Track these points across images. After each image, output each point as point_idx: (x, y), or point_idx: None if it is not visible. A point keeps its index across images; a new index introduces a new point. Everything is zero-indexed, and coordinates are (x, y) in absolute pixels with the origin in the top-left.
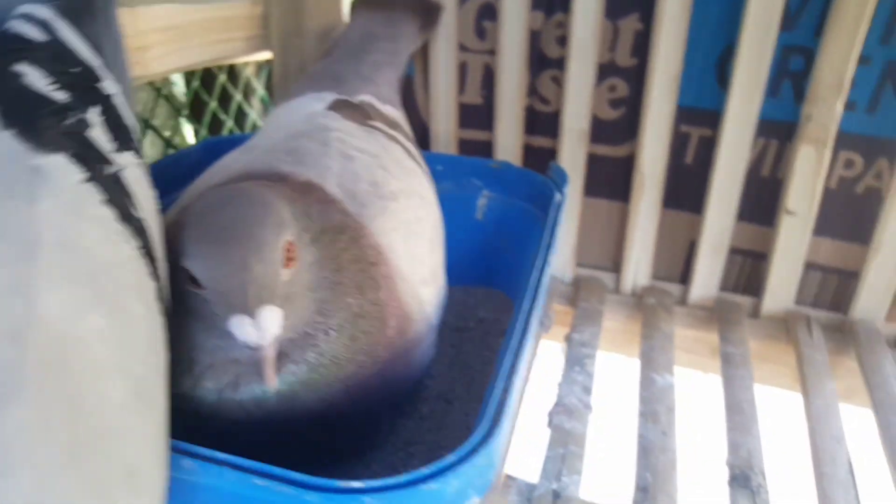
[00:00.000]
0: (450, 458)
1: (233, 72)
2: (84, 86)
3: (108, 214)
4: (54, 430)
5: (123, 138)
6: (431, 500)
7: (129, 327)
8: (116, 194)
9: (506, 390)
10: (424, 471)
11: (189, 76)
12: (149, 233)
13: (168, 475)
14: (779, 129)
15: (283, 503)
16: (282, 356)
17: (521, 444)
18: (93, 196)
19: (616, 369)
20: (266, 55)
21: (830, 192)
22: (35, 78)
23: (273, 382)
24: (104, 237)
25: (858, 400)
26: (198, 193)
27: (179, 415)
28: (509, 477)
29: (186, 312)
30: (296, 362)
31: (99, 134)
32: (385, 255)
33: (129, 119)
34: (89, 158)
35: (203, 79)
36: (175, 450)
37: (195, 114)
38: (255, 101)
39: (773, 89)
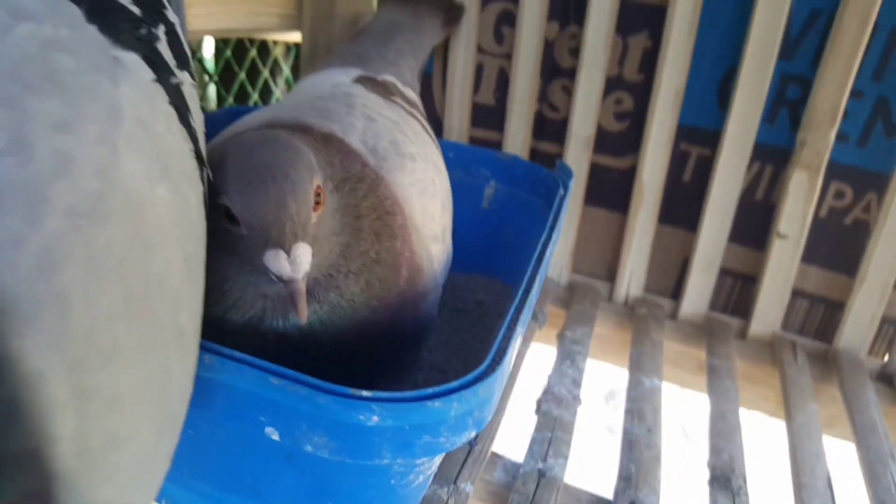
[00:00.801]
0: (454, 383)
1: (263, 49)
2: (153, 7)
3: (172, 112)
4: (133, 262)
5: (182, 60)
6: (434, 417)
7: (185, 209)
8: (178, 100)
9: (507, 337)
10: (430, 390)
11: (222, 45)
12: (200, 143)
13: (198, 360)
14: (774, 155)
15: (296, 404)
16: (307, 295)
17: (509, 428)
18: (161, 94)
19: (605, 370)
20: (296, 36)
21: (821, 222)
22: None
23: (304, 315)
24: (169, 129)
25: (840, 430)
26: (226, 139)
27: (205, 340)
28: (495, 454)
29: (219, 247)
30: (319, 301)
31: (165, 49)
32: (401, 206)
33: (186, 48)
34: (158, 64)
35: (234, 50)
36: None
37: (224, 82)
38: (281, 81)
39: (770, 115)
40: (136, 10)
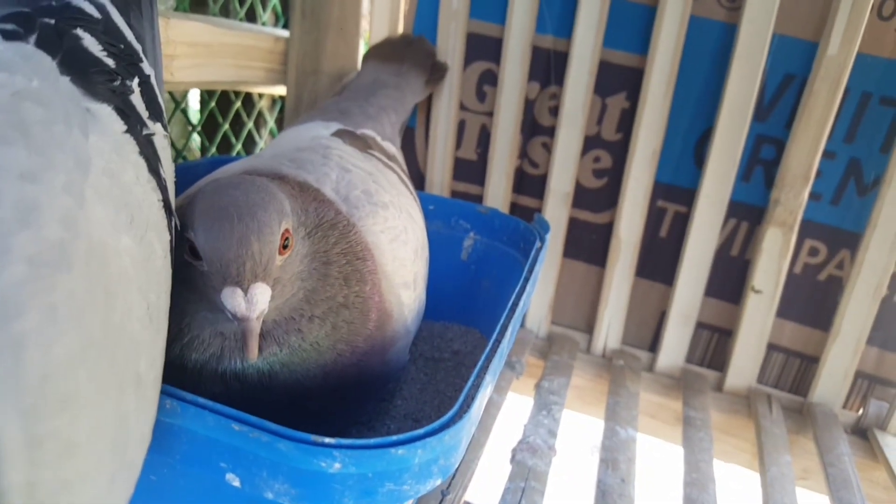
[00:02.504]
0: (420, 430)
1: (248, 101)
2: (128, 60)
3: (141, 163)
4: (94, 310)
5: (155, 112)
6: (397, 464)
7: (150, 259)
8: (148, 151)
9: (476, 385)
10: (394, 437)
11: (206, 96)
12: (169, 193)
13: (158, 406)
14: (749, 213)
15: (256, 450)
16: (266, 336)
17: (482, 475)
18: (131, 145)
19: (581, 421)
20: (281, 90)
21: (795, 277)
22: (90, 43)
23: (254, 355)
24: (138, 180)
25: (813, 482)
26: (205, 183)
27: (165, 380)
28: (468, 503)
29: (181, 283)
30: (279, 343)
31: (138, 101)
32: (371, 252)
33: (160, 100)
34: (130, 116)
35: (218, 102)
36: (161, 392)
37: (207, 132)
38: (265, 133)
39: (745, 174)
40: (110, 62)
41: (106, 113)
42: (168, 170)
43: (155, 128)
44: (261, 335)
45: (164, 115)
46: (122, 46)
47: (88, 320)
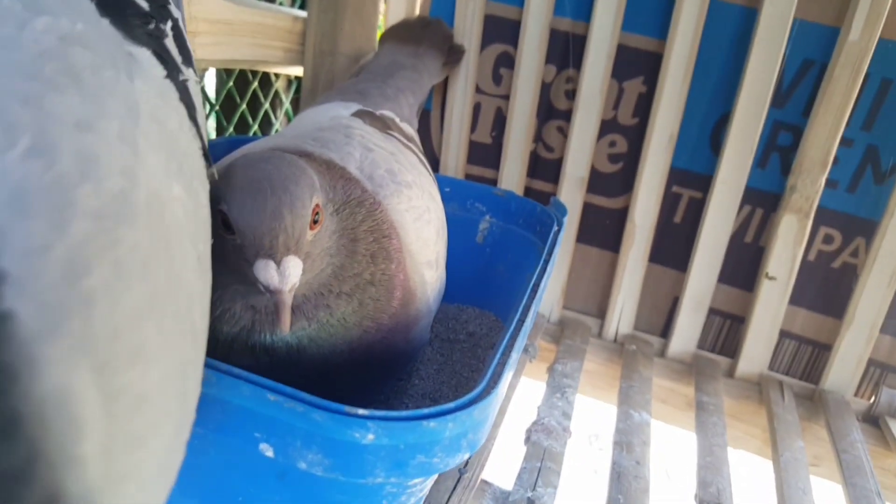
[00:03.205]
0: (450, 405)
1: (265, 81)
2: (159, 2)
3: (182, 110)
4: (157, 262)
5: (187, 57)
6: (429, 437)
7: (197, 207)
8: (186, 97)
9: (502, 363)
10: (427, 410)
11: (224, 75)
12: (205, 140)
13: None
14: (764, 199)
15: (291, 420)
16: (295, 310)
17: (497, 456)
18: (172, 91)
19: (594, 405)
20: (298, 70)
21: (809, 265)
22: None
23: (286, 327)
24: (181, 127)
25: (826, 469)
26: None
27: None
28: (485, 482)
29: (213, 256)
30: (308, 318)
31: (171, 45)
32: (396, 230)
33: (188, 44)
34: (167, 61)
35: (236, 80)
36: None
37: (225, 112)
38: (281, 113)
39: (761, 161)
40: (144, 3)
41: (146, 57)
42: (202, 117)
43: (188, 73)
44: (292, 309)
45: (194, 60)
46: None
47: (153, 272)
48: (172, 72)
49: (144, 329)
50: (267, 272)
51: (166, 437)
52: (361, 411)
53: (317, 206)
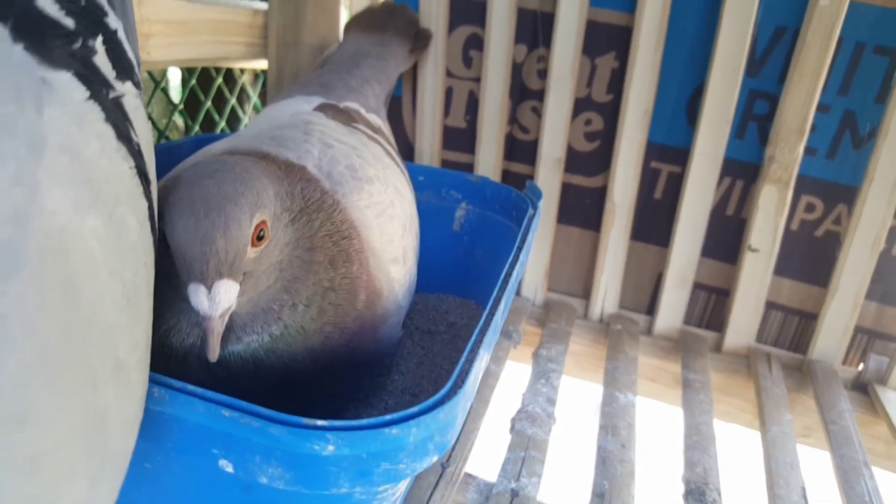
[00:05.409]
0: (413, 409)
1: (230, 77)
2: (90, 18)
3: (107, 131)
4: (51, 311)
5: (125, 69)
6: (392, 444)
7: (122, 235)
8: (116, 115)
9: (469, 360)
10: (388, 417)
11: (187, 74)
12: (144, 156)
13: (147, 385)
14: (744, 170)
15: (248, 435)
16: (243, 327)
17: (482, 447)
18: (95, 112)
19: (580, 387)
20: (262, 64)
21: (792, 234)
22: (46, 3)
23: (214, 354)
24: (103, 151)
25: (815, 440)
26: (187, 166)
27: (151, 367)
28: (468, 475)
29: (162, 270)
30: (258, 333)
31: (103, 61)
32: (357, 230)
33: (131, 55)
34: (93, 80)
35: (200, 79)
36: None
37: (189, 111)
38: (249, 108)
39: (739, 131)
40: (69, 22)
41: (64, 80)
42: (143, 132)
43: (124, 88)
44: (239, 327)
45: (137, 70)
46: (84, 2)
47: (44, 324)
48: (99, 91)
49: (32, 388)
50: (197, 297)
51: (76, 492)
52: (320, 422)
53: (261, 223)
